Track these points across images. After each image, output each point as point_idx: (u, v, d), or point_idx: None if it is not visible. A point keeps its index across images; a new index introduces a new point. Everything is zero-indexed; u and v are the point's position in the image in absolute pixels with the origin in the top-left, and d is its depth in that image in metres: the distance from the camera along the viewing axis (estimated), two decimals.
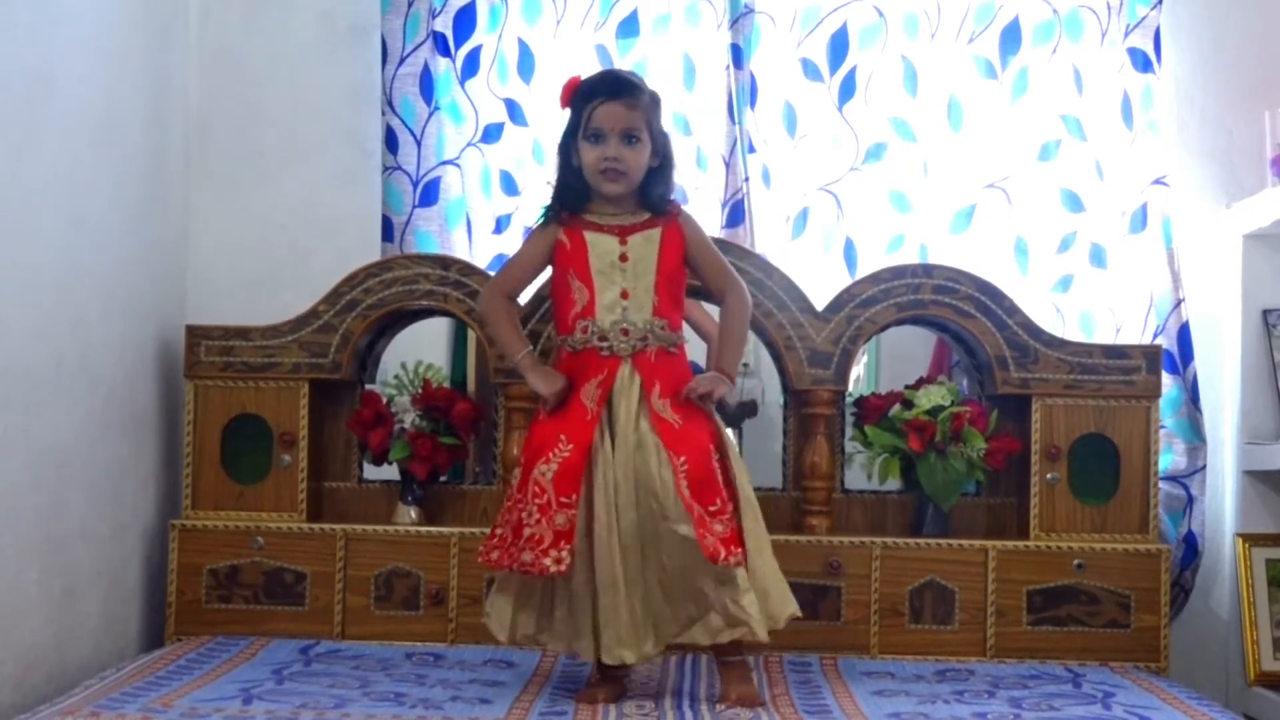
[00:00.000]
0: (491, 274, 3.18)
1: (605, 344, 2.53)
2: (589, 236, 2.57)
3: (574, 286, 2.56)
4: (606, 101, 2.53)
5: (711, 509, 2.45)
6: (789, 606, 2.54)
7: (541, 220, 2.64)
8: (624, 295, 2.54)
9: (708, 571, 2.44)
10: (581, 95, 2.57)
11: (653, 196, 2.60)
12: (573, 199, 2.60)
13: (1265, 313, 3.20)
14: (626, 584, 2.47)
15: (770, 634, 2.49)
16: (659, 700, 2.53)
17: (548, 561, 2.42)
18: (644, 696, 2.56)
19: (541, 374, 2.59)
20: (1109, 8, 3.28)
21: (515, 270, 2.69)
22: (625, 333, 2.53)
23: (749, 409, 3.42)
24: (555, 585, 2.51)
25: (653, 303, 2.55)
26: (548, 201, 2.65)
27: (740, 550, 2.45)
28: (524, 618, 2.55)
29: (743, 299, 2.67)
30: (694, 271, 2.66)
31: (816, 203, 3.31)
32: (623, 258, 2.56)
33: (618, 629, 2.47)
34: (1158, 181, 3.24)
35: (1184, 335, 3.21)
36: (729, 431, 2.64)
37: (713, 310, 2.93)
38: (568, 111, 2.61)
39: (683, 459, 2.46)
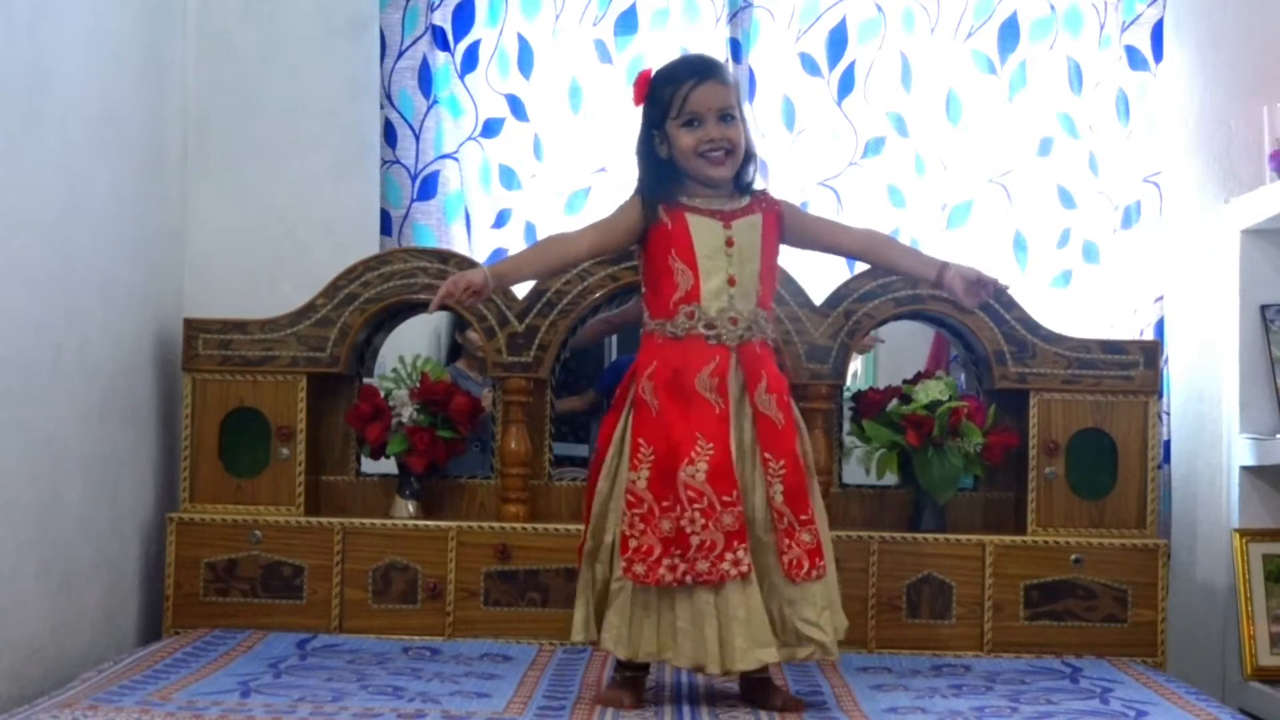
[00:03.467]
0: None
1: (713, 332, 2.43)
2: (691, 219, 2.45)
3: (676, 269, 2.44)
4: (701, 83, 2.43)
5: (803, 518, 2.39)
6: (844, 622, 2.49)
7: (639, 197, 2.50)
8: (731, 282, 2.44)
9: (779, 585, 2.39)
10: (665, 81, 2.46)
11: (748, 178, 2.52)
12: (665, 194, 2.49)
13: (1263, 308, 3.20)
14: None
15: None
16: (658, 702, 2.51)
17: (725, 565, 2.32)
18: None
19: (459, 276, 2.43)
20: (1106, 3, 3.28)
21: (589, 227, 2.55)
22: (734, 321, 2.43)
23: None
24: (675, 595, 2.37)
25: (758, 292, 2.47)
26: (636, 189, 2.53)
27: (822, 563, 2.39)
28: (648, 632, 2.40)
29: (876, 231, 2.65)
30: (810, 240, 2.59)
31: (815, 197, 3.31)
32: (729, 242, 2.45)
33: (750, 628, 2.34)
34: (1150, 178, 3.25)
35: (1160, 331, 3.23)
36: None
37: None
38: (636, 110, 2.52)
39: (781, 463, 2.40)
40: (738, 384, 2.43)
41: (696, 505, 2.35)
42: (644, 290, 2.54)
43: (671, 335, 2.45)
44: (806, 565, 2.37)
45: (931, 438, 3.04)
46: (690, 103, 2.43)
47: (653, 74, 2.51)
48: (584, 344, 3.41)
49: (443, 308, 2.55)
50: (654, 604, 2.39)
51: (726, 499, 2.35)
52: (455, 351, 3.48)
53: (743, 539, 2.34)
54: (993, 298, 2.56)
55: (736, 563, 2.33)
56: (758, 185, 2.56)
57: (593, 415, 3.45)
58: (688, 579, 2.35)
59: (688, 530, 2.34)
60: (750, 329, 2.45)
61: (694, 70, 2.47)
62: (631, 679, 2.49)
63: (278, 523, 3.06)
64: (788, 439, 2.43)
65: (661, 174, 2.49)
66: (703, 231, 2.45)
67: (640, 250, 2.53)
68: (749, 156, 2.51)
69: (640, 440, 2.42)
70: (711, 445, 2.37)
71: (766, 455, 2.40)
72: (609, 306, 3.27)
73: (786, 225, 2.54)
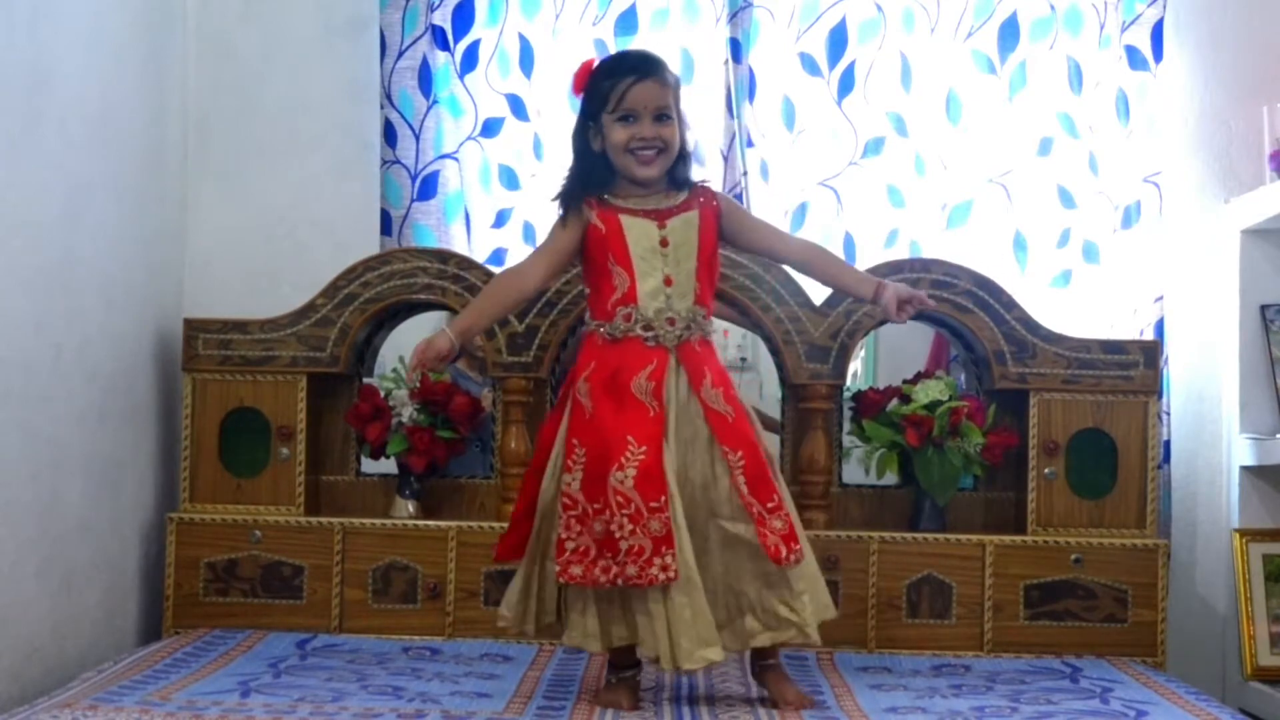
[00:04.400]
0: (490, 268, 3.19)
1: (651, 333, 2.44)
2: (625, 220, 2.47)
3: (614, 272, 2.46)
4: (640, 80, 2.44)
5: (769, 505, 2.40)
6: (829, 608, 2.50)
7: (561, 212, 2.53)
8: (667, 282, 2.45)
9: (754, 572, 2.40)
10: (605, 75, 2.48)
11: (682, 176, 2.52)
12: (595, 185, 2.50)
13: (1263, 308, 3.20)
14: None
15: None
16: (658, 702, 2.51)
17: (654, 570, 2.32)
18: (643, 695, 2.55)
19: (425, 344, 2.47)
20: (1106, 4, 3.28)
21: (534, 255, 2.57)
22: (671, 322, 2.45)
23: None
24: (645, 595, 2.37)
25: (695, 290, 2.47)
26: (560, 191, 2.55)
27: (799, 546, 2.40)
28: (616, 626, 2.42)
29: (816, 244, 2.64)
30: (746, 242, 2.60)
31: (815, 197, 3.31)
32: (663, 242, 2.46)
33: (697, 629, 2.35)
34: (1151, 178, 3.25)
35: (1160, 331, 3.23)
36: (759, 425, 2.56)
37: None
38: (575, 99, 2.55)
39: (739, 454, 2.40)
40: (681, 385, 2.45)
41: (624, 511, 2.34)
42: (587, 292, 2.56)
43: (609, 337, 2.47)
44: (784, 550, 2.37)
45: (931, 438, 3.04)
46: (628, 99, 2.45)
47: (595, 65, 2.52)
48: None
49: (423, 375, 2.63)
50: (615, 594, 2.41)
51: (654, 504, 2.34)
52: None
53: (670, 544, 2.33)
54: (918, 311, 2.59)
55: (664, 568, 2.32)
56: (696, 176, 2.56)
57: None
58: (619, 581, 2.35)
59: (616, 535, 2.35)
60: (689, 328, 2.46)
61: (635, 67, 2.48)
62: (627, 679, 2.49)
63: (278, 523, 3.06)
64: (742, 430, 2.44)
65: (592, 166, 2.50)
66: (636, 232, 2.47)
67: (579, 255, 2.54)
68: (683, 156, 2.52)
69: (574, 441, 2.43)
70: (644, 449, 2.37)
71: (725, 448, 2.41)
72: None
73: (725, 222, 2.54)
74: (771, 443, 2.91)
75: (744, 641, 2.45)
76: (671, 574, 2.32)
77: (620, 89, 2.45)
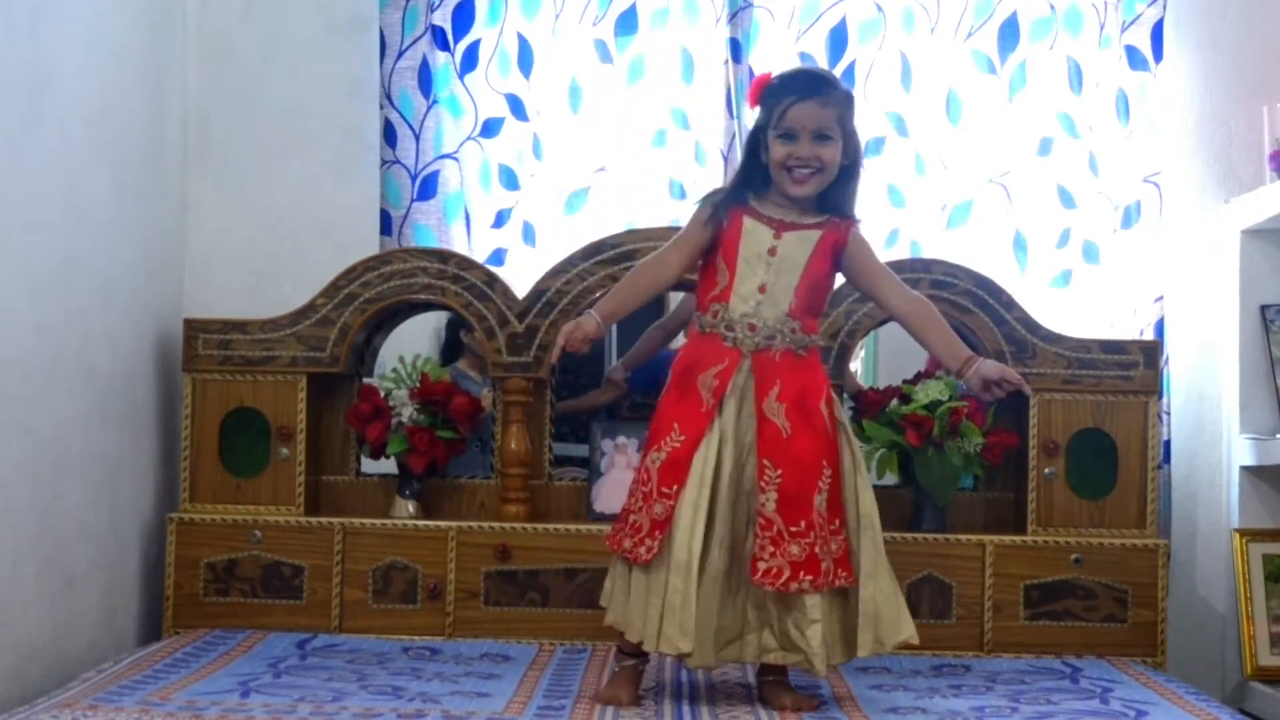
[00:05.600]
0: (490, 268, 3.19)
1: (731, 334, 2.46)
2: (746, 222, 2.48)
3: (719, 268, 2.49)
4: (801, 101, 2.44)
5: (794, 529, 2.39)
6: (901, 633, 2.45)
7: (710, 210, 2.52)
8: (761, 289, 2.46)
9: (768, 592, 2.41)
10: (774, 92, 2.48)
11: (835, 197, 2.51)
12: (752, 191, 2.51)
13: (1263, 308, 3.20)
14: (703, 577, 2.39)
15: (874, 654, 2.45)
16: (658, 700, 2.51)
17: (641, 550, 2.40)
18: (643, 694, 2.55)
19: (574, 325, 2.49)
20: (1106, 4, 3.29)
21: (672, 245, 2.55)
22: (752, 327, 2.45)
23: None
24: (650, 574, 2.41)
25: (790, 303, 2.46)
26: (717, 189, 2.59)
27: (811, 579, 2.38)
28: (617, 602, 2.51)
29: (926, 302, 2.58)
30: (858, 281, 2.58)
31: None
32: (771, 251, 2.46)
33: (684, 617, 2.37)
34: (1150, 178, 3.25)
35: (1160, 331, 3.23)
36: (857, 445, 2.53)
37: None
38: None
39: (779, 471, 2.41)
40: (747, 390, 2.45)
41: (643, 488, 2.44)
42: (697, 284, 2.58)
43: (700, 329, 2.51)
44: (786, 575, 2.37)
45: (931, 438, 3.04)
46: (788, 118, 2.45)
47: (769, 80, 2.52)
48: (647, 357, 3.39)
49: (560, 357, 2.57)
50: (626, 574, 2.47)
51: (665, 490, 2.41)
52: (453, 350, 3.47)
53: (664, 529, 2.39)
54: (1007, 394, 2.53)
55: (649, 550, 2.39)
56: (851, 210, 2.53)
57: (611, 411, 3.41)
58: (620, 551, 2.46)
59: (631, 508, 2.46)
60: (772, 337, 2.46)
61: (799, 87, 2.47)
62: (631, 668, 2.51)
63: (278, 523, 3.06)
64: (794, 448, 2.42)
65: (752, 175, 2.52)
66: (751, 236, 2.48)
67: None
68: (844, 175, 2.51)
69: (655, 424, 2.51)
70: (683, 437, 2.43)
71: (765, 462, 2.42)
72: None
73: (845, 255, 2.53)
74: None
75: (759, 654, 2.46)
76: (649, 556, 2.38)
77: (782, 107, 2.45)
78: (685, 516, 2.39)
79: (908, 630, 2.46)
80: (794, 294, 2.47)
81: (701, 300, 2.53)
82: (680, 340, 3.28)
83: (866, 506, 2.46)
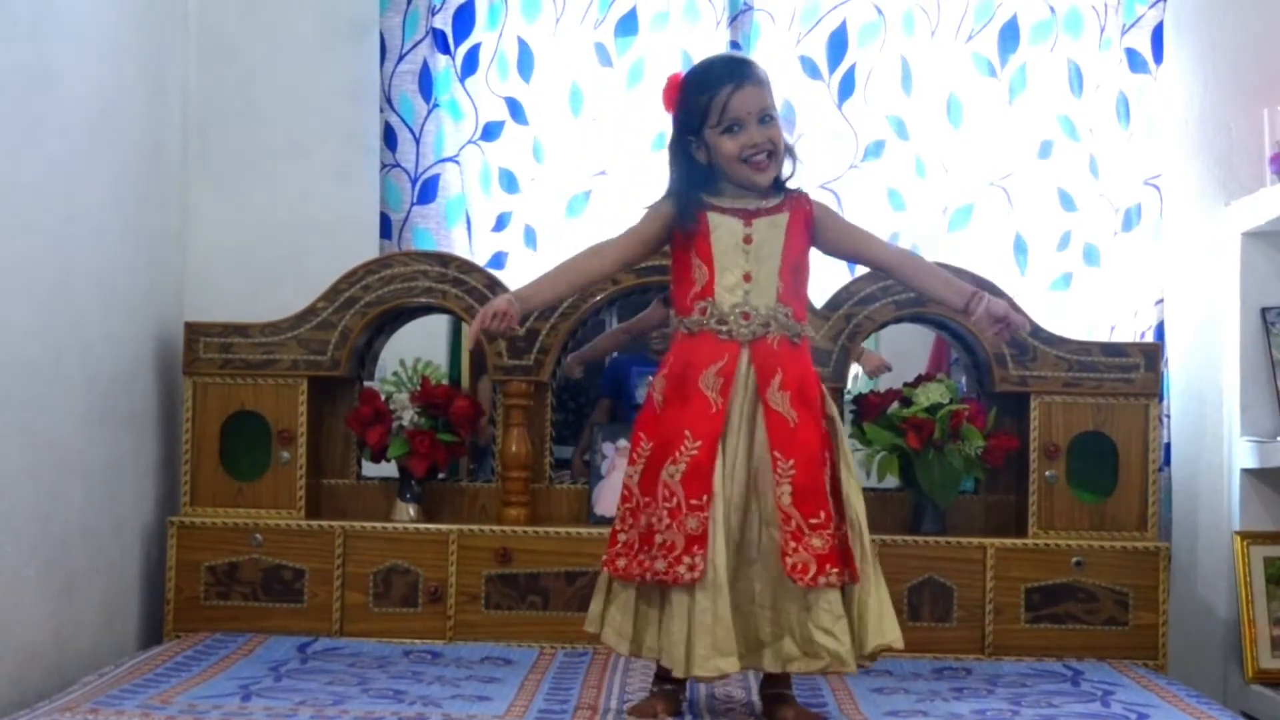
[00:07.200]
0: (491, 271, 3.19)
1: (724, 327, 2.39)
2: (713, 218, 2.41)
3: (694, 266, 2.41)
4: (739, 88, 2.37)
5: (813, 521, 2.31)
6: (885, 636, 2.36)
7: (655, 209, 2.47)
8: (746, 278, 2.40)
9: (794, 589, 2.31)
10: (702, 87, 2.40)
11: (782, 178, 2.46)
12: (697, 194, 2.44)
13: (1264, 310, 3.20)
14: (732, 589, 2.32)
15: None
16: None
17: (681, 569, 2.28)
18: None
19: (498, 299, 2.42)
20: (1106, 6, 3.29)
21: (619, 237, 2.50)
22: (746, 317, 2.39)
23: None
24: (669, 593, 2.32)
25: (776, 288, 2.41)
26: (667, 196, 2.48)
27: (839, 569, 2.30)
28: (650, 631, 2.37)
29: (911, 252, 2.50)
30: (837, 247, 2.54)
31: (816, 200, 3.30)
32: (746, 239, 2.40)
33: (715, 635, 2.28)
34: (1151, 181, 3.25)
35: (1160, 334, 3.24)
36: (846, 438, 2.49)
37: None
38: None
39: (791, 462, 2.33)
40: (749, 382, 2.39)
41: (666, 504, 2.32)
42: (671, 289, 2.51)
43: (688, 331, 2.42)
44: (813, 570, 2.29)
45: (932, 440, 3.04)
46: (730, 109, 2.38)
47: (683, 79, 2.46)
48: (603, 355, 3.39)
49: (478, 344, 2.53)
50: (656, 600, 2.37)
51: (695, 502, 2.31)
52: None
53: (702, 544, 2.28)
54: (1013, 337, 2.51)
55: (691, 567, 2.28)
56: (793, 185, 2.49)
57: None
58: (648, 577, 2.32)
59: (654, 528, 2.33)
60: (767, 325, 2.40)
61: (729, 74, 2.41)
62: (671, 692, 2.43)
63: (278, 526, 3.06)
64: (801, 437, 2.36)
65: (696, 179, 2.45)
66: (722, 229, 2.41)
67: (670, 251, 2.50)
68: (786, 153, 2.47)
69: (640, 435, 2.41)
70: (699, 444, 2.33)
71: (776, 454, 2.35)
72: (609, 310, 3.27)
73: (817, 227, 2.48)
74: None
75: (782, 664, 2.37)
76: (697, 573, 2.28)
77: (720, 100, 2.38)
78: (718, 533, 2.32)
79: (891, 634, 2.37)
80: (779, 278, 2.42)
81: (682, 303, 2.44)
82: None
83: (856, 503, 2.41)
